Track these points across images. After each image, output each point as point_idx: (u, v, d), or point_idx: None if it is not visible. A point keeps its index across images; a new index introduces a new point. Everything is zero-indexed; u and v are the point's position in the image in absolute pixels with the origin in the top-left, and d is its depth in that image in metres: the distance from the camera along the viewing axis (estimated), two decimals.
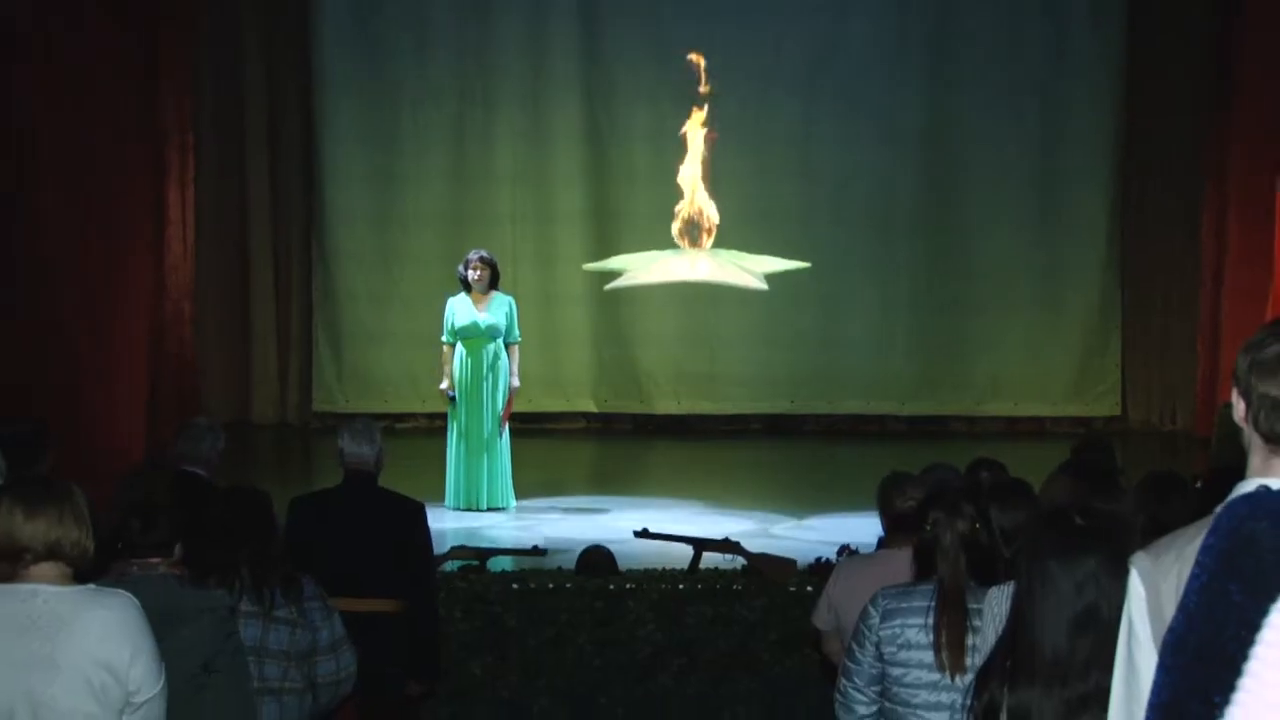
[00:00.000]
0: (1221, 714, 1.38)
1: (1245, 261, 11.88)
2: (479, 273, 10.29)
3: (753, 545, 9.05)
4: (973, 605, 4.31)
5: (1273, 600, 1.42)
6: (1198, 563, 1.93)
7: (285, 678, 5.30)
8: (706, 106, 13.52)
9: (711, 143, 13.55)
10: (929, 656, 4.40)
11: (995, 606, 3.99)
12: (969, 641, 4.30)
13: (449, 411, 10.47)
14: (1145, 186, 13.54)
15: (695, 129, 13.59)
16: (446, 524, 9.66)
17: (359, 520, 6.74)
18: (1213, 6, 12.91)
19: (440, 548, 8.19)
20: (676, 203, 13.74)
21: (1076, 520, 3.37)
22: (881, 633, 4.47)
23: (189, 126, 12.97)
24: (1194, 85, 13.18)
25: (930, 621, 4.41)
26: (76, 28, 10.74)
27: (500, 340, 10.33)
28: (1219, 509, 2.14)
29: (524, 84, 13.76)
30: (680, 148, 13.66)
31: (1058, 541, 3.37)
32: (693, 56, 13.42)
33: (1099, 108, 13.57)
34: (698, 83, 13.46)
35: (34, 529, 4.18)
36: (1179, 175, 13.34)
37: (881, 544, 6.06)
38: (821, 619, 5.73)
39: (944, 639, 4.38)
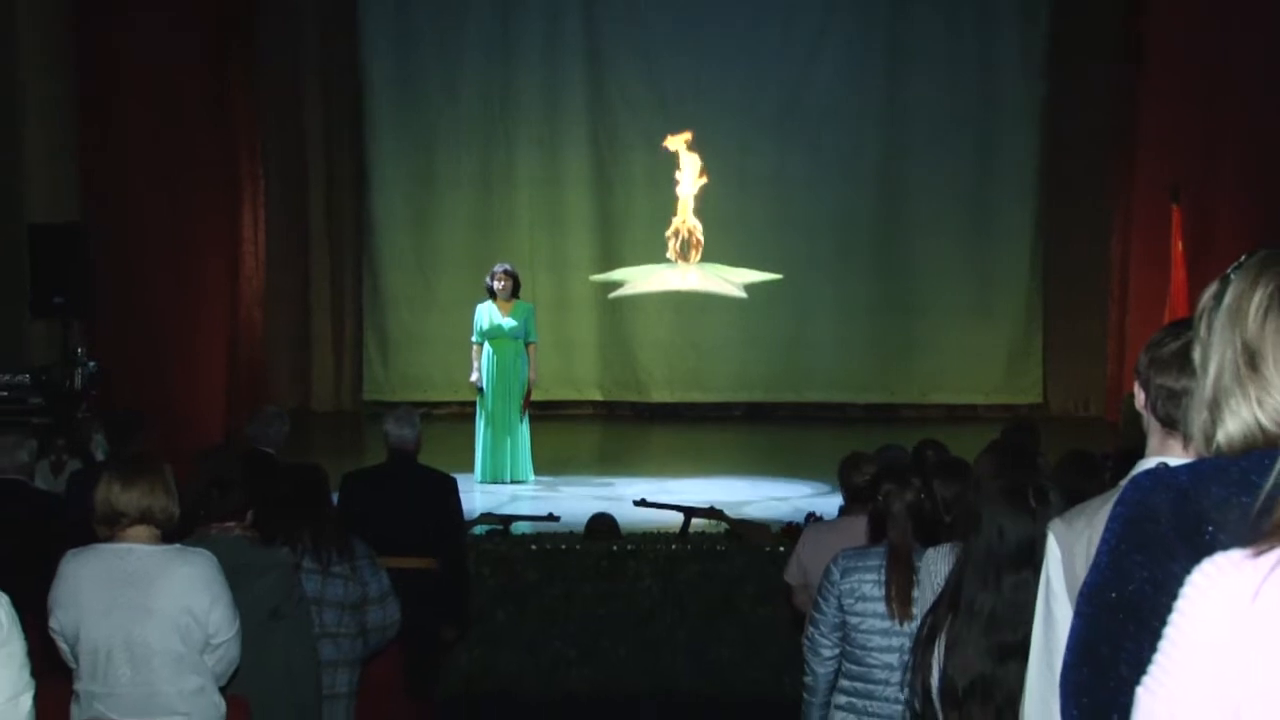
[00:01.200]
0: (1123, 659, 1.38)
1: (1146, 273, 11.88)
2: (503, 283, 10.29)
3: (733, 513, 9.05)
4: (917, 563, 4.31)
5: (1173, 559, 1.42)
6: (1108, 528, 1.92)
7: (341, 624, 5.31)
8: (692, 143, 13.53)
9: (701, 173, 13.57)
10: (881, 607, 4.40)
11: (933, 565, 4.00)
12: (914, 594, 4.31)
13: (478, 400, 10.46)
14: (1062, 210, 13.49)
15: (685, 160, 13.59)
16: (475, 495, 9.66)
17: (402, 491, 6.76)
18: (1121, 56, 12.90)
19: (470, 514, 8.20)
20: (670, 222, 13.73)
21: (1028, 496, 3.37)
22: (842, 587, 4.48)
23: (258, 160, 12.99)
24: (1103, 123, 13.17)
25: (882, 578, 4.41)
26: (167, 75, 10.78)
27: (521, 340, 10.33)
28: (1124, 482, 2.15)
29: (541, 120, 13.73)
30: (673, 172, 13.65)
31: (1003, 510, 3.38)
32: (681, 139, 13.46)
33: (1023, 143, 13.55)
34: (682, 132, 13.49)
35: (129, 498, 4.20)
36: (1090, 199, 13.33)
37: (842, 512, 6.05)
38: (792, 575, 5.72)
39: (893, 592, 4.38)
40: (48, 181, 9.46)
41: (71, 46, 9.80)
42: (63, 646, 4.23)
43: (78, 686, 4.24)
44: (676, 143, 13.51)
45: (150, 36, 10.57)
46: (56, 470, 7.14)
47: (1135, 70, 12.57)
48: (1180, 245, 10.94)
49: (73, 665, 4.25)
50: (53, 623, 4.20)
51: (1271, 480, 1.36)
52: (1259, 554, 1.31)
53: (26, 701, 3.46)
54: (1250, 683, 1.28)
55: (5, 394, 8.12)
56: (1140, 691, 1.35)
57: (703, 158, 13.53)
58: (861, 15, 13.60)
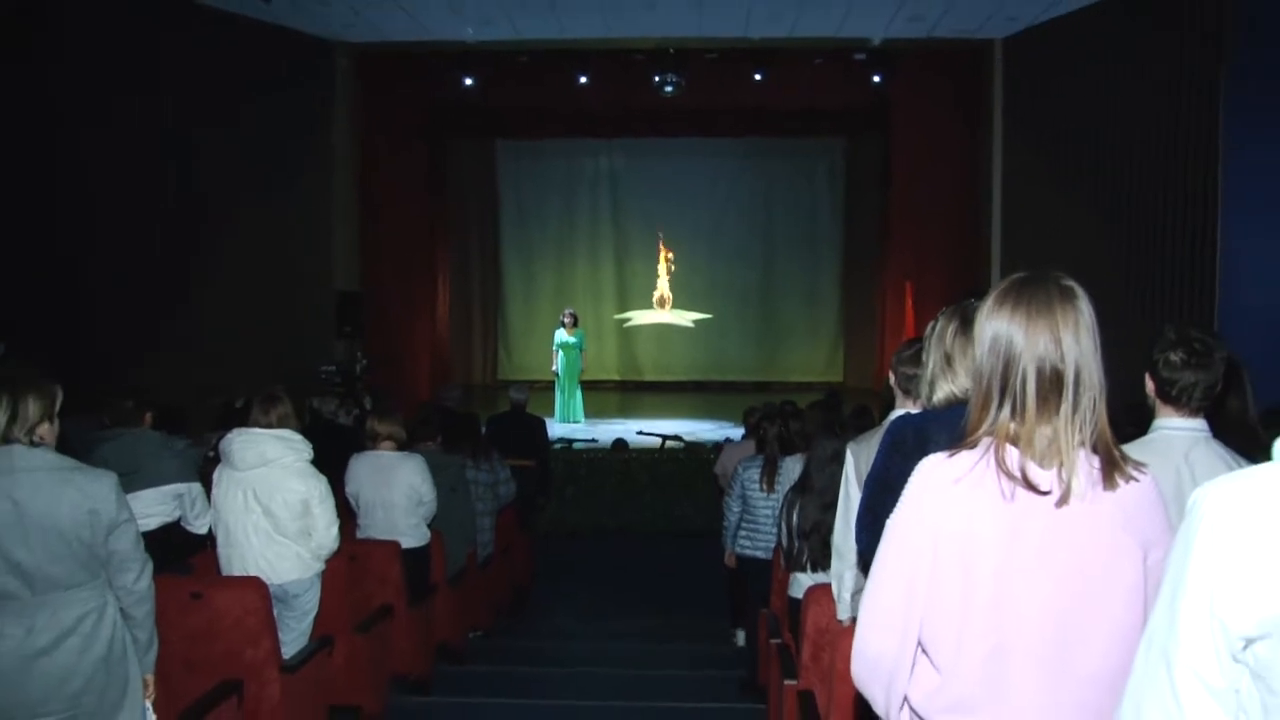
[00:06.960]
0: (886, 513, 1.41)
1: (893, 312, 11.80)
2: (569, 320, 10.32)
3: (688, 437, 9.08)
4: (780, 464, 4.33)
5: (912, 460, 1.44)
6: (880, 445, 1.95)
7: (486, 494, 5.33)
8: (667, 248, 13.54)
9: (669, 261, 13.60)
10: (761, 487, 4.43)
11: (788, 465, 4.02)
12: (778, 480, 4.33)
13: (556, 380, 10.47)
14: (853, 280, 13.35)
15: (662, 254, 13.63)
16: (555, 428, 9.66)
17: (517, 426, 6.77)
18: (880, 204, 12.76)
19: (552, 438, 8.21)
20: (654, 287, 13.73)
21: (836, 429, 3.39)
22: (743, 477, 4.50)
23: (446, 254, 12.87)
24: (873, 240, 12.88)
25: (763, 471, 4.44)
26: (419, 207, 10.62)
27: (578, 349, 10.35)
28: (887, 423, 2.18)
29: (589, 233, 13.66)
30: (656, 262, 13.66)
31: (825, 437, 3.41)
32: (662, 248, 13.45)
33: (834, 245, 13.44)
34: (660, 241, 13.49)
35: (382, 427, 4.23)
36: (868, 276, 12.98)
37: (744, 437, 6.08)
38: (719, 469, 5.75)
39: (766, 479, 4.41)
40: (344, 264, 9.49)
41: (356, 182, 9.75)
42: (351, 503, 4.26)
43: (359, 522, 4.27)
44: (659, 249, 13.56)
45: (405, 181, 10.41)
46: (348, 414, 7.16)
47: (888, 212, 12.47)
48: (910, 302, 10.98)
49: (356, 511, 4.27)
50: (347, 489, 4.23)
51: (963, 421, 1.40)
52: (951, 455, 1.35)
53: (335, 529, 3.49)
54: (941, 522, 1.32)
55: (323, 377, 8.24)
56: (888, 522, 1.39)
57: (671, 255, 13.53)
58: (749, 176, 13.45)
